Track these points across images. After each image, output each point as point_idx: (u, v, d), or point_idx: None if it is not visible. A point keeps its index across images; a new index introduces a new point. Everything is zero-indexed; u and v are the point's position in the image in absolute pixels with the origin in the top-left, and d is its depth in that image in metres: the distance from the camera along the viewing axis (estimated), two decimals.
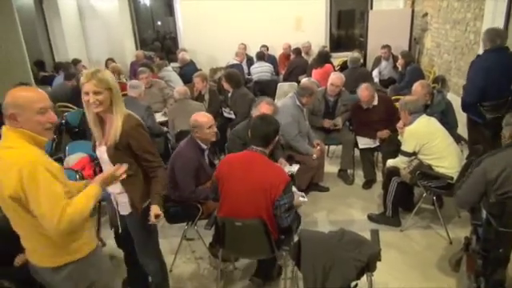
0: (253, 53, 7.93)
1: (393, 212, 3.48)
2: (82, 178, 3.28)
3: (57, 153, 4.19)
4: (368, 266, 1.97)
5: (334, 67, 6.54)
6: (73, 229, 1.67)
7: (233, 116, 4.89)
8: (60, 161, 4.01)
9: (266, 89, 6.54)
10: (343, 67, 6.93)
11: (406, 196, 3.62)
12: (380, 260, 2.01)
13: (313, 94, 4.00)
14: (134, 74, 6.59)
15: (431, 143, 3.23)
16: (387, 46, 6.41)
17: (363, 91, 4.15)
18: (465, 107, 3.76)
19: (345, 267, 1.95)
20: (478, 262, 2.37)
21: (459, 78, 5.45)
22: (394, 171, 3.44)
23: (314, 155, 3.92)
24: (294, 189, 3.01)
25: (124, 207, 2.25)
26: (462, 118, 3.96)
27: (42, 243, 1.71)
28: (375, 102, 4.22)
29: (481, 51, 3.96)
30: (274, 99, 5.89)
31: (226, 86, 4.90)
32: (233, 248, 2.56)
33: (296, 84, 6.31)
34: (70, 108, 5.50)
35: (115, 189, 2.20)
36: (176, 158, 2.97)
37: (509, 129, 2.32)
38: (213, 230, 2.70)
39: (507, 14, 4.22)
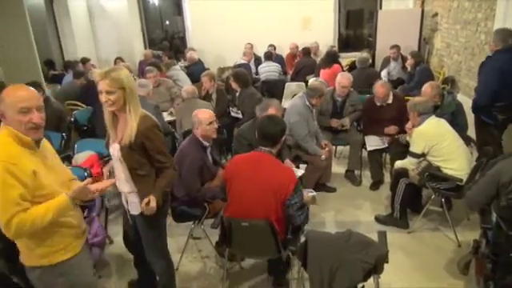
0: (260, 52, 7.92)
1: (401, 213, 3.45)
2: (91, 175, 3.30)
3: (66, 150, 4.22)
4: (375, 268, 1.95)
5: (342, 67, 6.50)
6: (25, 235, 1.65)
7: (240, 116, 4.89)
8: (69, 158, 4.05)
9: (274, 88, 6.52)
10: (352, 67, 6.89)
11: (414, 198, 3.58)
12: (387, 262, 2.00)
13: (323, 95, 3.99)
14: (142, 73, 6.62)
15: (440, 145, 3.20)
16: (396, 46, 6.35)
17: (379, 88, 4.12)
18: (477, 109, 3.70)
19: (351, 269, 1.94)
20: (487, 265, 2.34)
21: (470, 79, 5.38)
22: (402, 172, 3.41)
23: (323, 156, 3.90)
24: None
25: (134, 207, 2.26)
26: (470, 118, 3.91)
27: (17, 240, 1.75)
28: (389, 101, 4.18)
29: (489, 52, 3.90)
30: (281, 99, 5.92)
31: (233, 85, 4.90)
32: (239, 248, 2.56)
33: (304, 84, 6.30)
34: (79, 106, 5.55)
35: (125, 188, 2.21)
36: (179, 157, 2.97)
37: None
38: (219, 229, 2.71)
39: None
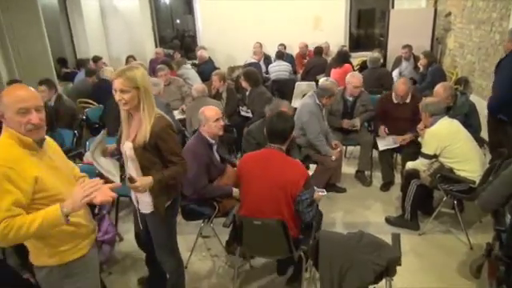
0: (270, 52, 7.92)
1: (411, 215, 3.42)
2: (101, 173, 3.32)
3: (77, 148, 4.27)
4: (387, 271, 1.93)
5: (353, 67, 6.46)
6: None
7: (250, 115, 4.89)
8: (80, 156, 4.10)
9: (284, 88, 6.51)
10: (362, 67, 6.85)
11: (426, 199, 3.55)
12: (400, 265, 1.97)
13: (333, 95, 3.97)
14: (152, 71, 6.65)
15: (453, 146, 3.16)
16: (408, 46, 6.28)
17: (400, 85, 4.08)
18: (498, 106, 3.62)
19: (362, 270, 1.92)
20: (500, 268, 2.30)
21: (483, 79, 5.31)
22: (414, 174, 3.37)
23: (333, 157, 3.88)
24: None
25: (145, 206, 2.26)
26: (483, 120, 3.85)
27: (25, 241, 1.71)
28: (407, 100, 4.14)
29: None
30: (291, 98, 5.90)
31: (244, 84, 4.90)
32: (250, 246, 2.56)
33: (314, 83, 6.27)
34: (91, 104, 5.60)
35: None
36: (185, 154, 2.97)
37: None
38: (229, 228, 2.71)
39: None
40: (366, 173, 4.46)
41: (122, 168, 2.31)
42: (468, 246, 3.18)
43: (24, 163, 1.59)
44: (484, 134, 3.98)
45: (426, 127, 3.34)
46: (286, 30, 8.21)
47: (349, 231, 2.26)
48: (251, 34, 8.04)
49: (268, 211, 2.32)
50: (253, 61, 7.08)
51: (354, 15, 8.78)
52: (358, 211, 3.87)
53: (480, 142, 3.49)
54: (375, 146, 4.30)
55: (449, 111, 3.54)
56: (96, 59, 7.18)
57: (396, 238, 2.13)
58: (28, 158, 1.62)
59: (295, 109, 4.14)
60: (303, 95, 5.47)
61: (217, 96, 5.08)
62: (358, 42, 8.99)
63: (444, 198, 3.29)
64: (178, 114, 4.98)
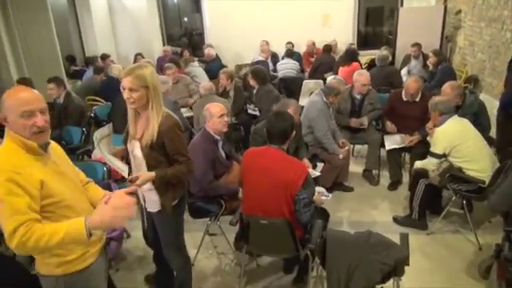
0: (277, 50, 7.90)
1: (419, 215, 3.39)
2: (109, 170, 3.34)
3: (85, 145, 4.31)
4: (395, 271, 1.92)
5: (361, 65, 6.42)
6: (27, 251, 1.49)
7: (257, 113, 4.88)
8: (88, 153, 4.13)
9: (291, 86, 6.50)
10: (370, 65, 6.80)
11: (434, 199, 3.52)
12: (408, 265, 1.96)
13: (339, 93, 3.95)
14: (160, 69, 6.67)
15: (462, 145, 3.12)
16: (417, 44, 6.21)
17: (411, 83, 4.05)
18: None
19: (369, 269, 1.92)
20: (510, 270, 2.28)
21: (494, 78, 5.23)
22: (422, 173, 3.35)
23: (340, 155, 3.86)
24: (320, 189, 2.98)
25: (152, 204, 2.26)
26: (493, 118, 3.80)
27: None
28: (417, 99, 4.10)
29: None
30: (298, 96, 5.89)
31: (251, 82, 4.90)
32: (257, 245, 2.56)
33: (321, 82, 6.24)
34: (99, 101, 5.64)
35: (144, 185, 2.19)
36: (191, 151, 2.98)
37: None
38: (235, 226, 2.71)
39: None
40: (374, 172, 4.43)
41: (129, 166, 2.32)
42: (477, 247, 3.14)
43: (29, 168, 1.53)
44: (492, 134, 3.94)
45: (435, 126, 3.30)
46: (293, 28, 8.18)
47: (356, 230, 2.25)
48: (259, 32, 8.02)
49: (270, 210, 2.31)
50: (260, 59, 7.07)
51: (363, 13, 8.71)
52: (366, 210, 3.85)
53: (489, 141, 3.44)
54: (383, 145, 4.27)
55: (458, 110, 3.50)
56: (104, 57, 7.23)
57: (404, 238, 2.12)
58: (33, 162, 1.56)
59: (303, 107, 4.13)
60: (310, 93, 5.46)
61: (224, 94, 5.08)
62: (366, 40, 8.92)
63: (453, 198, 3.26)
64: (185, 112, 4.99)
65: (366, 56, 7.67)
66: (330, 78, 5.77)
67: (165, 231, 2.35)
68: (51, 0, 5.66)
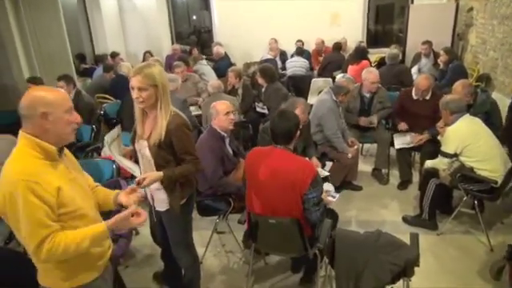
0: (287, 48, 7.87)
1: (429, 215, 3.35)
2: (118, 168, 3.36)
3: (95, 142, 4.34)
4: (405, 271, 1.90)
5: (370, 63, 6.37)
6: (55, 261, 1.49)
7: (266, 111, 4.87)
8: (98, 150, 4.16)
9: (300, 84, 6.47)
10: (380, 63, 6.74)
11: (445, 199, 3.48)
12: (418, 266, 1.94)
13: (348, 92, 3.92)
14: (169, 67, 6.69)
15: (474, 144, 3.08)
16: (428, 42, 6.14)
17: (422, 80, 4.00)
18: None
19: (379, 269, 1.90)
20: None
21: (506, 76, 5.15)
22: (433, 172, 3.31)
23: (349, 154, 3.83)
24: (328, 187, 2.95)
25: (161, 203, 2.26)
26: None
27: (34, 260, 1.57)
28: (427, 97, 4.04)
29: None
30: (307, 95, 5.86)
31: (260, 80, 4.89)
32: (265, 244, 2.55)
33: (330, 80, 6.20)
34: (109, 99, 5.68)
35: (152, 185, 2.18)
36: (199, 148, 2.98)
37: None
38: (243, 224, 2.71)
39: None
40: (383, 171, 4.39)
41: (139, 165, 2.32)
42: (488, 248, 3.10)
43: (46, 175, 1.47)
44: None
45: (446, 125, 3.26)
46: (302, 26, 8.13)
47: (365, 230, 2.23)
48: (267, 30, 8.01)
49: (279, 210, 2.30)
50: (269, 57, 7.05)
51: (373, 11, 8.64)
52: (375, 210, 3.82)
53: (501, 140, 3.39)
54: (392, 144, 4.22)
55: (469, 109, 3.45)
56: (114, 55, 7.28)
57: (414, 238, 2.09)
58: (48, 169, 1.50)
59: (312, 105, 4.10)
60: (319, 92, 5.42)
61: (232, 92, 5.07)
62: (376, 37, 8.85)
63: (464, 198, 3.22)
64: (194, 110, 5.00)
65: (375, 54, 7.61)
66: (339, 76, 5.73)
67: (173, 230, 2.35)
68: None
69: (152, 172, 2.10)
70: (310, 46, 8.03)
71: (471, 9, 6.59)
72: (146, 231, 3.22)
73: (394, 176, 4.33)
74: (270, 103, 4.78)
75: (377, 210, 3.81)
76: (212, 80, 5.42)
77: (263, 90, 4.92)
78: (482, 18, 6.16)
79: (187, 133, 2.15)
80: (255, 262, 3.03)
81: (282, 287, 2.86)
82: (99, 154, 4.11)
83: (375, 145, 4.46)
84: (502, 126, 3.71)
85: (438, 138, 3.52)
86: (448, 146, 3.17)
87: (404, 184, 4.18)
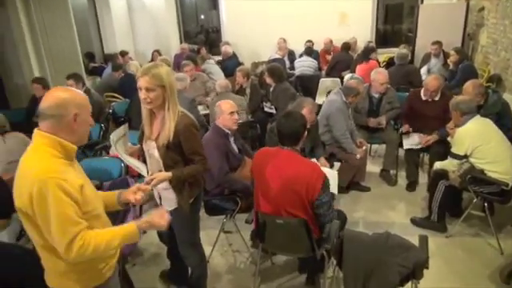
0: (295, 48, 7.85)
1: (438, 217, 3.32)
2: (127, 166, 3.38)
3: (104, 141, 4.36)
4: (414, 273, 1.88)
5: (379, 63, 6.32)
6: (84, 259, 1.47)
7: (274, 111, 4.86)
8: (106, 149, 4.18)
9: (308, 84, 6.45)
10: (389, 63, 6.69)
11: (454, 201, 3.43)
12: (428, 268, 1.92)
13: (358, 94, 3.89)
14: (177, 66, 6.71)
15: (485, 146, 3.04)
16: (438, 43, 6.07)
17: (432, 80, 3.95)
18: None
19: (388, 271, 1.88)
20: None
21: None
22: (442, 174, 3.27)
23: (358, 155, 3.81)
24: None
25: (168, 203, 2.26)
26: None
27: (46, 262, 1.57)
28: (437, 98, 4.00)
29: None
30: (315, 95, 5.84)
31: (268, 80, 4.88)
32: (272, 244, 2.54)
33: (339, 80, 6.17)
34: (117, 98, 5.71)
35: (160, 184, 2.19)
36: (204, 146, 2.98)
37: None
38: (251, 224, 2.70)
39: None
40: (391, 172, 4.36)
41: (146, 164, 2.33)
42: (498, 251, 3.06)
43: (68, 174, 1.47)
44: None
45: (456, 126, 3.22)
46: (311, 26, 8.10)
47: (373, 231, 2.21)
48: (276, 29, 7.99)
49: (286, 211, 2.28)
50: (277, 56, 7.03)
51: (382, 10, 8.58)
52: (383, 211, 3.79)
53: None
54: (401, 145, 4.19)
55: (480, 110, 3.40)
56: (123, 54, 7.32)
57: (423, 240, 2.07)
58: (68, 168, 1.50)
59: (320, 106, 4.09)
60: (328, 92, 5.40)
61: (240, 92, 5.07)
62: (384, 37, 8.78)
63: (474, 200, 3.18)
64: (202, 110, 5.01)
65: (384, 54, 7.55)
66: (347, 76, 5.69)
67: (181, 229, 2.36)
68: None
69: (161, 172, 2.11)
70: (319, 46, 7.99)
71: (482, 8, 6.51)
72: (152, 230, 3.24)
73: (402, 177, 4.29)
74: (277, 103, 4.77)
75: (385, 212, 3.78)
76: (220, 79, 5.43)
77: (271, 89, 4.91)
78: (493, 17, 6.08)
79: (195, 133, 2.15)
80: (262, 262, 3.03)
81: (289, 287, 2.85)
82: (108, 153, 4.13)
83: (383, 145, 4.43)
84: None
85: (448, 139, 3.48)
86: (458, 148, 3.14)
87: (412, 185, 4.14)
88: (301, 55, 7.21)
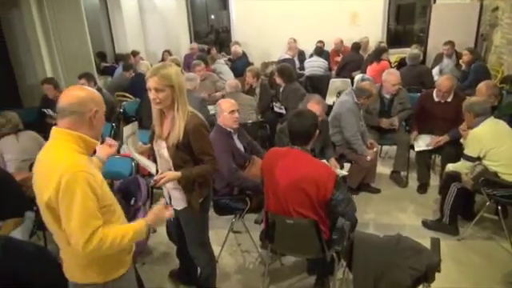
0: (305, 48, 7.82)
1: (450, 219, 3.27)
2: (137, 166, 3.40)
3: (115, 140, 4.40)
4: (425, 277, 1.85)
5: (390, 64, 6.26)
6: (100, 254, 1.51)
7: (283, 111, 4.85)
8: (117, 148, 4.21)
9: (318, 84, 6.42)
10: (401, 64, 6.63)
11: (466, 203, 3.38)
12: (439, 271, 1.89)
13: (371, 96, 3.85)
14: (187, 66, 6.73)
15: (498, 148, 2.99)
16: (450, 43, 5.99)
17: (444, 80, 3.89)
18: None
19: (399, 274, 1.86)
20: None
21: None
22: (454, 176, 3.23)
23: (368, 157, 3.78)
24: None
25: (178, 202, 2.27)
26: None
27: (68, 256, 1.62)
28: (449, 99, 3.94)
29: None
30: (325, 95, 5.80)
31: (278, 80, 4.87)
32: (282, 244, 2.53)
33: (349, 80, 6.14)
34: (128, 97, 5.76)
35: (170, 184, 2.22)
36: None
37: None
38: (260, 224, 2.70)
39: None
40: (402, 173, 4.31)
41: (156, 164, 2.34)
42: (511, 255, 3.01)
43: (93, 168, 1.53)
44: None
45: (469, 128, 3.17)
46: (321, 26, 8.06)
47: (383, 233, 2.20)
48: (286, 29, 7.98)
49: (296, 211, 2.27)
50: (287, 56, 7.01)
51: (393, 10, 8.50)
52: (393, 213, 3.75)
53: None
54: (412, 146, 4.14)
55: (493, 111, 3.35)
56: (134, 53, 7.38)
57: (435, 243, 2.04)
58: (90, 162, 1.57)
59: (329, 106, 4.06)
60: (338, 92, 5.37)
61: (250, 92, 5.07)
62: (396, 37, 8.70)
63: (487, 203, 3.13)
64: (213, 109, 5.01)
65: (395, 54, 7.48)
66: (357, 76, 5.66)
67: (190, 228, 2.36)
68: (84, 0, 5.83)
69: (170, 171, 2.12)
70: (329, 46, 7.96)
71: (496, 8, 6.41)
72: (162, 229, 3.24)
73: (413, 179, 4.24)
74: (287, 103, 4.76)
75: (395, 214, 3.74)
76: (230, 79, 5.44)
77: (281, 89, 4.90)
78: (507, 17, 5.98)
79: (205, 133, 2.15)
80: (271, 263, 3.02)
81: None
82: (118, 152, 4.16)
83: (394, 147, 4.39)
84: None
85: (461, 140, 3.44)
86: (471, 150, 3.09)
87: (423, 187, 4.09)
88: (311, 55, 7.19)
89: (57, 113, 1.56)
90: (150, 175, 2.63)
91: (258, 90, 5.07)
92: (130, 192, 2.88)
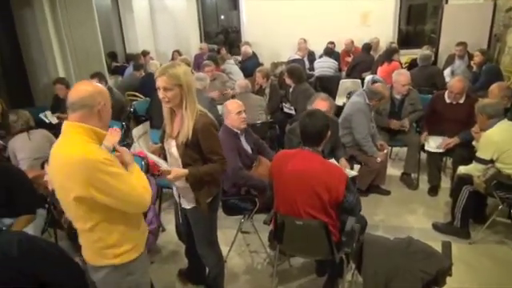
0: (314, 48, 7.79)
1: (462, 222, 3.22)
2: (148, 164, 3.42)
3: (125, 139, 4.43)
4: (436, 280, 1.83)
5: (401, 64, 6.21)
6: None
7: (293, 112, 4.83)
8: (128, 147, 4.25)
9: (328, 85, 6.38)
10: (411, 65, 6.57)
11: (478, 207, 3.33)
12: (451, 275, 1.86)
13: (382, 99, 3.82)
14: (197, 66, 6.76)
15: None
16: (463, 44, 5.91)
17: (456, 82, 3.85)
18: None
19: (409, 277, 1.84)
20: None
21: None
22: (466, 179, 3.19)
23: (378, 158, 3.74)
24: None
25: (188, 201, 2.29)
26: None
27: (89, 241, 1.70)
28: (461, 100, 3.90)
29: None
30: (335, 96, 5.77)
31: (287, 80, 4.85)
32: (291, 245, 2.52)
33: (359, 81, 6.10)
34: (138, 97, 5.80)
35: (179, 183, 2.23)
36: None
37: None
38: (269, 225, 2.69)
39: None
40: (413, 175, 4.27)
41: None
42: None
43: (106, 153, 1.62)
44: None
45: (482, 130, 3.13)
46: (331, 26, 8.02)
47: (393, 235, 2.17)
48: (296, 29, 7.95)
49: (306, 213, 2.26)
50: (296, 57, 7.00)
51: (404, 10, 8.42)
52: (403, 215, 3.72)
53: None
54: (423, 148, 4.10)
55: (506, 113, 3.29)
56: (145, 53, 7.44)
57: (447, 247, 2.01)
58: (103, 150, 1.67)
59: (339, 107, 4.04)
60: (348, 93, 5.34)
61: (259, 92, 5.07)
62: (407, 38, 8.62)
63: (500, 207, 3.08)
64: (221, 109, 5.02)
65: (406, 55, 7.41)
66: (368, 77, 5.62)
67: (199, 228, 2.37)
68: (96, 0, 5.88)
69: (179, 169, 2.13)
70: (340, 47, 7.92)
71: (510, 9, 6.31)
72: (171, 228, 3.27)
73: (424, 181, 4.20)
74: (297, 104, 4.74)
75: (405, 216, 3.71)
76: (239, 79, 5.44)
77: (291, 90, 4.89)
78: None
79: (214, 132, 2.16)
80: (280, 264, 3.01)
81: None
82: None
83: (404, 148, 4.34)
84: None
85: (473, 143, 3.39)
86: (483, 152, 3.05)
87: (434, 190, 4.05)
88: (321, 56, 7.16)
89: (67, 107, 1.64)
90: (160, 175, 2.65)
91: (267, 91, 5.06)
92: None
